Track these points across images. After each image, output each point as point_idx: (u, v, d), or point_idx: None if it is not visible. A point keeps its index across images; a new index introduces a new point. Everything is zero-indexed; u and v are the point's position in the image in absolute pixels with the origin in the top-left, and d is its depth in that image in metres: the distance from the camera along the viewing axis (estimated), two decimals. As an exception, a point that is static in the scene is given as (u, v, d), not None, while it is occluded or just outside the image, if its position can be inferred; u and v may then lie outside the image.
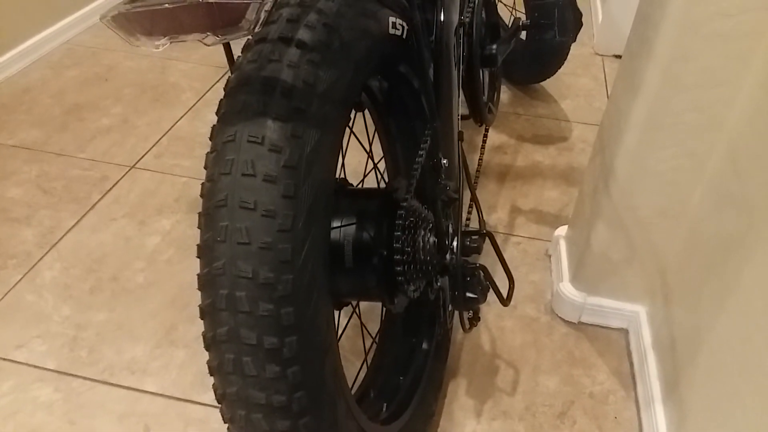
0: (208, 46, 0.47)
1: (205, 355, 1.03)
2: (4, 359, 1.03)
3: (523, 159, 1.58)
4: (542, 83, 1.87)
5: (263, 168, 0.50)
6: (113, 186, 1.41)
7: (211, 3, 0.43)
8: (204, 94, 1.77)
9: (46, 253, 1.24)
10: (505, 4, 1.78)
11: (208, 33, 0.45)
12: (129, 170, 1.47)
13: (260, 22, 0.45)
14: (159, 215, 1.34)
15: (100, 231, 1.29)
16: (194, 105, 1.72)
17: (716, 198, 0.87)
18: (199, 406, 0.97)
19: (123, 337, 1.08)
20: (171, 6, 0.44)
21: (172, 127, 1.63)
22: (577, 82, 1.92)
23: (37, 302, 1.14)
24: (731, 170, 0.83)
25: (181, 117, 1.67)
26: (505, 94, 1.84)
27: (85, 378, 1.01)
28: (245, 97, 0.52)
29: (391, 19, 0.67)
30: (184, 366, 1.03)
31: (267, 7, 0.44)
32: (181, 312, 1.13)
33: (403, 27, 0.70)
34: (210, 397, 0.98)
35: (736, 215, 0.80)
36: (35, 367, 1.02)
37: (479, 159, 1.25)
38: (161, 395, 0.99)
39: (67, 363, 1.03)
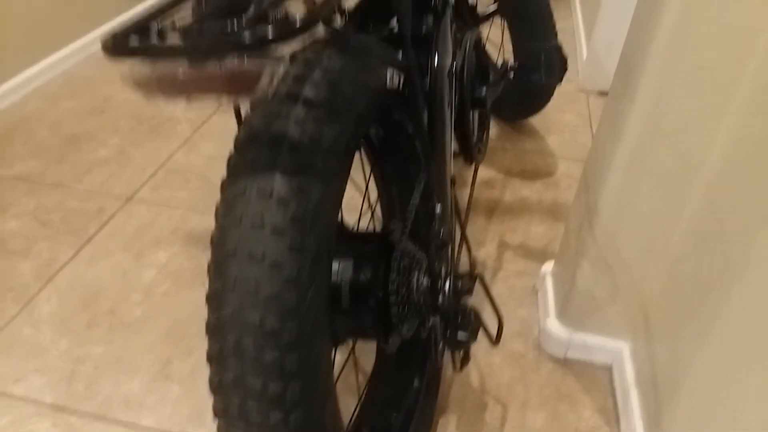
0: (223, 108, 0.50)
1: (200, 391, 1.06)
2: (2, 393, 1.04)
3: (511, 194, 1.63)
4: (529, 118, 1.93)
5: (271, 220, 0.53)
6: (110, 218, 1.44)
7: (227, 70, 0.47)
8: (200, 127, 1.80)
9: (44, 286, 1.25)
10: (493, 43, 1.85)
11: (224, 96, 0.49)
12: (126, 202, 1.49)
13: (273, 87, 0.48)
14: (155, 248, 1.36)
15: (97, 264, 1.31)
16: (190, 137, 1.75)
17: (695, 239, 0.91)
18: (195, 441, 0.99)
19: (120, 370, 1.09)
20: (190, 72, 0.48)
21: (169, 159, 1.66)
22: (562, 118, 1.98)
23: (35, 335, 1.15)
24: (709, 213, 0.88)
25: (178, 149, 1.70)
26: (493, 128, 1.90)
27: (82, 412, 1.02)
28: (254, 153, 0.55)
29: (389, 72, 0.71)
30: (179, 400, 1.05)
31: (279, 73, 0.48)
32: (176, 345, 1.15)
33: (400, 78, 0.74)
34: (206, 431, 1.00)
35: (713, 257, 0.84)
36: (33, 401, 1.03)
37: (469, 196, 1.29)
38: (158, 430, 1.00)
39: (65, 397, 1.04)
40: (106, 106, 1.87)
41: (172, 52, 0.46)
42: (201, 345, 1.15)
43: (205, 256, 1.34)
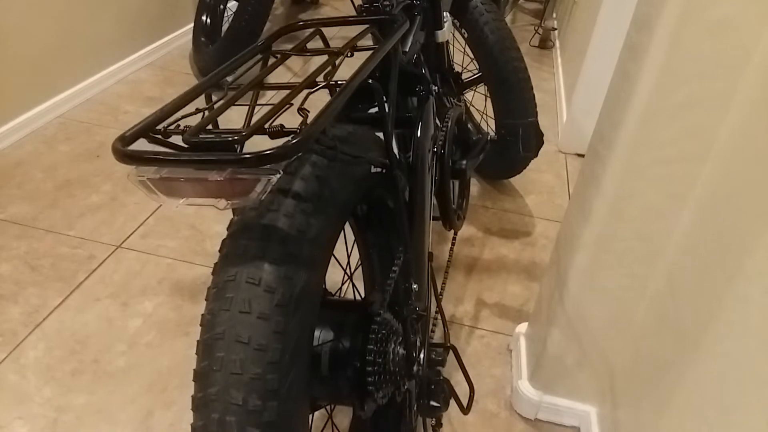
0: (220, 209, 0.56)
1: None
2: (-16, 441, 1.07)
3: (490, 252, 1.69)
4: (509, 179, 2.01)
5: (258, 307, 0.58)
6: (99, 265, 1.48)
7: (227, 179, 0.53)
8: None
9: (31, 332, 1.28)
10: (477, 109, 1.94)
11: (222, 199, 0.55)
12: (115, 250, 1.53)
13: (267, 193, 0.54)
14: (142, 296, 1.40)
15: (84, 311, 1.34)
16: (181, 185, 1.80)
17: (656, 319, 0.97)
18: (173, 496, 1.01)
19: (102, 421, 1.12)
20: (193, 178, 0.53)
21: (159, 207, 1.70)
22: (541, 178, 2.06)
23: (19, 382, 1.18)
24: (669, 296, 0.94)
25: (168, 197, 1.75)
26: (474, 186, 1.97)
27: (62, 463, 1.04)
28: (246, 242, 0.61)
29: (374, 165, 0.77)
30: (159, 453, 1.08)
31: (273, 181, 0.54)
32: (158, 397, 1.18)
33: (384, 165, 0.80)
34: (183, 486, 1.03)
35: (672, 338, 0.90)
36: (14, 450, 1.06)
37: (448, 260, 1.35)
38: (136, 483, 1.03)
39: (47, 447, 1.07)
40: (101, 151, 1.93)
41: (177, 163, 0.51)
42: (182, 397, 1.18)
43: (189, 307, 1.38)
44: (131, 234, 1.59)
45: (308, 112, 0.60)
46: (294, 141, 0.52)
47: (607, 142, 0.95)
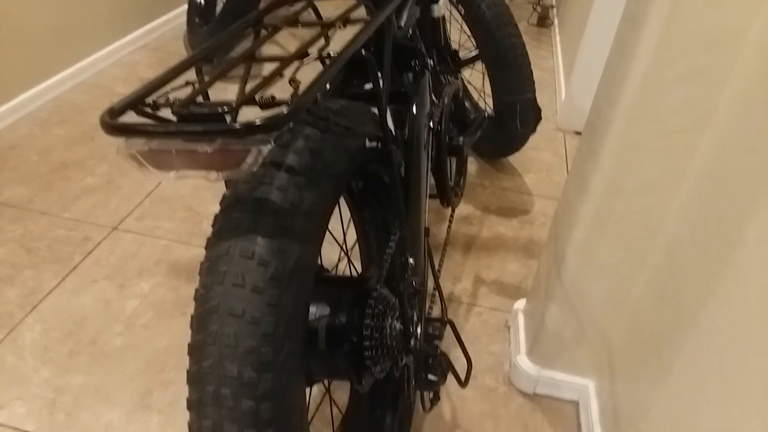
0: (211, 181, 0.55)
1: (178, 422, 1.09)
2: (-17, 421, 1.07)
3: (488, 230, 1.69)
4: (507, 157, 2.00)
5: (252, 280, 0.58)
6: (95, 247, 1.47)
7: (217, 150, 0.52)
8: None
9: (28, 314, 1.28)
10: (474, 87, 1.92)
11: (212, 171, 0.54)
12: (111, 231, 1.53)
13: (258, 164, 0.53)
14: (138, 278, 1.39)
15: (80, 293, 1.34)
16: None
17: (654, 293, 0.97)
18: (173, 473, 1.02)
19: (100, 401, 1.12)
20: (182, 150, 0.53)
21: (155, 188, 1.69)
22: (539, 156, 2.05)
23: (17, 364, 1.18)
24: (667, 270, 0.94)
25: (164, 178, 1.74)
26: (473, 165, 1.96)
27: (62, 442, 1.05)
28: (238, 215, 0.60)
29: (368, 138, 0.76)
30: (159, 431, 1.08)
31: (264, 153, 0.53)
32: (156, 377, 1.18)
33: (378, 138, 0.79)
34: (183, 463, 1.03)
35: (669, 311, 0.90)
36: (14, 429, 1.06)
37: (445, 240, 1.34)
38: (136, 461, 1.03)
39: (46, 426, 1.07)
40: (96, 133, 1.91)
41: (166, 135, 0.51)
42: (180, 377, 1.18)
43: (186, 288, 1.38)
44: (127, 216, 1.58)
45: (299, 83, 0.59)
46: (285, 111, 0.51)
47: (604, 116, 0.94)
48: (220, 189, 1.74)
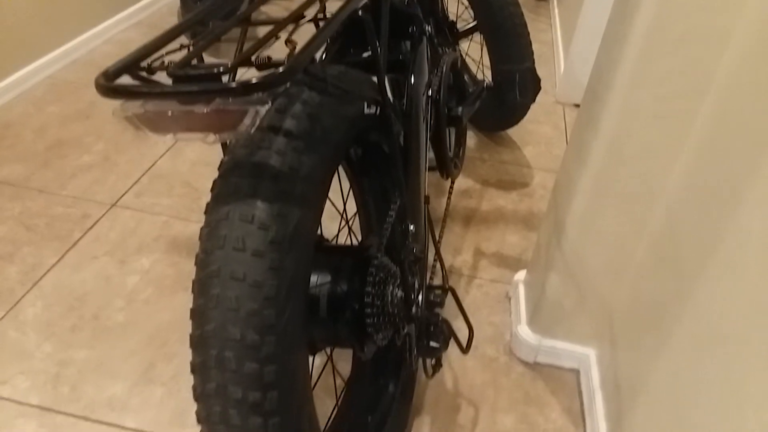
0: (209, 144, 0.54)
1: (182, 394, 1.10)
2: (-12, 396, 1.08)
3: (487, 204, 1.68)
4: (507, 130, 1.99)
5: (252, 244, 0.57)
6: (94, 224, 1.47)
7: (214, 111, 0.51)
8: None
9: (29, 290, 1.28)
10: (472, 59, 1.90)
11: (210, 133, 0.53)
12: (110, 208, 1.52)
13: (256, 126, 0.53)
14: (138, 254, 1.39)
15: (81, 269, 1.34)
16: (174, 144, 1.78)
17: (654, 260, 0.97)
18: (177, 443, 1.03)
19: (103, 374, 1.13)
20: (178, 111, 0.52)
21: (153, 165, 1.69)
22: (539, 129, 2.04)
23: (20, 339, 1.18)
24: (668, 236, 0.94)
25: (162, 155, 1.73)
26: (472, 139, 1.95)
27: (67, 414, 1.05)
28: (237, 180, 0.60)
29: (366, 102, 0.76)
30: (162, 403, 1.09)
31: (262, 113, 0.52)
32: (158, 350, 1.18)
33: (377, 105, 0.79)
34: (187, 434, 1.04)
35: (671, 278, 0.90)
36: (19, 403, 1.07)
37: (445, 210, 1.34)
38: (141, 431, 1.04)
39: (50, 399, 1.07)
40: (91, 111, 1.90)
41: (162, 96, 0.50)
42: (183, 350, 1.19)
43: (187, 264, 1.38)
44: (125, 193, 1.58)
45: (296, 44, 0.58)
46: (281, 70, 0.51)
47: (605, 80, 0.93)
48: (214, 144, 1.73)
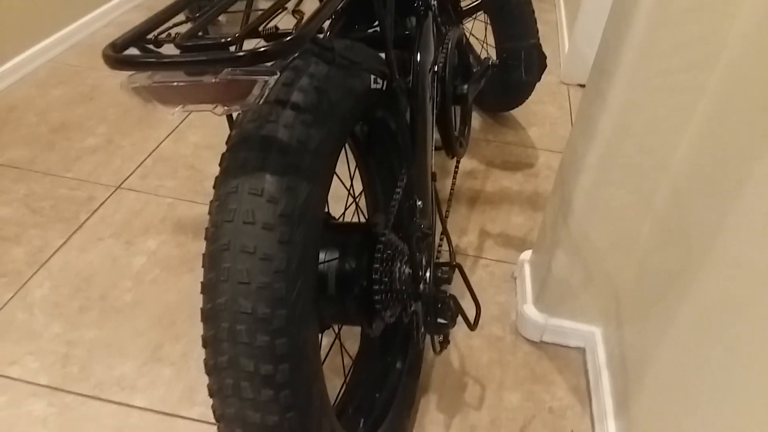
0: (218, 115, 0.54)
1: (191, 373, 1.10)
2: (-2, 375, 1.08)
3: (492, 184, 1.68)
4: (511, 111, 1.98)
5: (262, 217, 0.57)
6: (100, 206, 1.47)
7: (222, 81, 0.51)
8: (187, 116, 1.83)
9: (36, 271, 1.29)
10: (476, 38, 1.89)
11: (219, 105, 0.53)
12: (115, 190, 1.52)
13: (264, 96, 0.52)
14: (145, 236, 1.40)
15: (87, 250, 1.34)
16: (177, 126, 1.78)
17: (662, 235, 0.97)
18: (187, 421, 1.03)
19: (112, 354, 1.13)
20: (187, 82, 0.52)
21: (157, 148, 1.68)
22: (543, 110, 2.03)
23: (28, 320, 1.19)
24: (675, 210, 0.93)
25: (165, 138, 1.73)
26: (476, 120, 1.94)
27: (77, 394, 1.06)
28: (246, 154, 0.60)
29: (373, 74, 0.75)
30: (171, 382, 1.09)
31: (271, 84, 0.52)
32: (166, 331, 1.19)
33: (384, 79, 0.78)
34: (197, 412, 1.05)
35: (678, 252, 0.90)
36: (28, 382, 1.07)
37: (451, 189, 1.34)
38: (150, 410, 1.04)
39: (60, 379, 1.08)
40: (94, 94, 1.89)
41: (170, 65, 0.49)
42: (191, 330, 1.19)
43: (193, 245, 1.38)
44: (130, 175, 1.58)
45: (303, 14, 0.58)
46: (289, 38, 0.50)
47: (612, 55, 0.92)
48: (221, 148, 1.72)
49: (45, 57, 2.03)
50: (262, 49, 0.48)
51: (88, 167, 1.59)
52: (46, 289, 1.25)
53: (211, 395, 0.60)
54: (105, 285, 1.27)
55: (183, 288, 1.28)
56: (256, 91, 0.52)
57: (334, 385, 1.09)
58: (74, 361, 1.12)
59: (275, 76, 0.51)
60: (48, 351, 1.13)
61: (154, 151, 1.67)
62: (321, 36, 0.67)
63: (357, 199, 0.96)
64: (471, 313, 0.94)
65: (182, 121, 1.80)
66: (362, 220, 1.03)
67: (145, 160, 1.63)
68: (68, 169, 1.57)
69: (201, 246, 1.38)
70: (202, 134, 1.76)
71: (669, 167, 0.96)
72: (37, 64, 1.99)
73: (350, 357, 1.05)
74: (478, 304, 0.93)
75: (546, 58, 1.63)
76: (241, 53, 0.49)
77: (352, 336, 1.18)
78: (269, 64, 0.50)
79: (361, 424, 0.91)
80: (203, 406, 1.06)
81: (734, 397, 0.68)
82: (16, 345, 1.14)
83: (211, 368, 0.59)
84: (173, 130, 1.76)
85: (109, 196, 1.50)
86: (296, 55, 0.63)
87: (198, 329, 1.19)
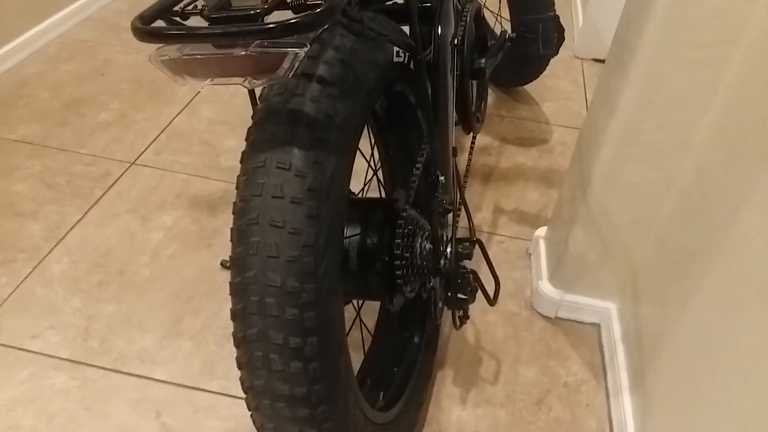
0: (247, 88, 0.54)
1: (209, 347, 1.11)
2: (20, 349, 1.10)
3: (507, 161, 1.67)
4: (525, 86, 1.96)
5: (290, 191, 0.57)
6: (115, 182, 1.47)
7: (253, 53, 0.51)
8: (199, 91, 1.82)
9: (54, 247, 1.30)
10: (491, 11, 1.86)
11: (248, 78, 0.52)
12: (130, 166, 1.52)
13: (295, 69, 0.52)
14: (160, 211, 1.40)
15: (104, 226, 1.35)
16: (190, 101, 1.77)
17: (683, 211, 0.96)
18: (208, 394, 1.05)
19: (132, 328, 1.15)
20: (216, 55, 0.51)
21: (170, 123, 1.68)
22: (557, 85, 2.01)
23: (47, 295, 1.20)
24: (697, 187, 0.93)
25: (178, 113, 1.72)
26: (490, 96, 1.92)
27: (98, 367, 1.08)
28: (273, 128, 0.59)
29: (396, 47, 0.74)
30: (191, 356, 1.11)
31: (301, 56, 0.51)
32: (185, 305, 1.20)
33: (406, 54, 0.77)
34: (217, 384, 1.06)
35: (700, 228, 0.89)
36: (50, 356, 1.09)
37: (467, 164, 1.33)
38: (171, 383, 1.06)
39: (81, 352, 1.10)
40: (106, 69, 1.88)
41: (200, 38, 0.49)
42: (209, 305, 1.20)
43: (208, 220, 1.38)
44: (144, 150, 1.57)
45: None
46: (320, 10, 0.49)
47: (635, 27, 0.91)
48: (235, 123, 1.72)
49: (55, 32, 2.01)
50: (293, 20, 0.48)
51: (102, 143, 1.59)
52: (64, 264, 1.26)
53: (239, 367, 0.61)
54: (123, 260, 1.28)
55: (200, 263, 1.28)
56: (286, 64, 0.51)
57: (353, 359, 1.10)
58: (95, 335, 1.13)
59: (305, 48, 0.51)
60: (69, 325, 1.15)
61: (167, 126, 1.67)
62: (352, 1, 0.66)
63: (376, 173, 0.95)
64: (489, 289, 0.95)
65: (195, 96, 1.79)
66: (382, 194, 1.03)
67: (158, 135, 1.63)
68: (82, 144, 1.57)
69: (216, 221, 1.38)
70: (215, 109, 1.75)
71: (692, 143, 0.95)
72: (47, 39, 1.98)
73: (369, 332, 1.06)
74: (498, 279, 0.93)
75: (564, 31, 1.60)
76: (271, 25, 0.48)
77: (368, 311, 1.19)
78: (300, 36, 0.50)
79: (381, 397, 0.92)
80: (223, 379, 1.07)
81: (755, 375, 0.68)
82: (36, 319, 1.15)
83: (240, 341, 0.59)
84: (186, 105, 1.75)
85: (124, 172, 1.50)
86: (326, 26, 0.62)
87: (215, 303, 1.20)
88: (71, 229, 1.34)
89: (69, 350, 1.10)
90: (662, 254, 1.03)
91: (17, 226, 1.33)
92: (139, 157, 1.55)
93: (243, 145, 0.61)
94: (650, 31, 0.87)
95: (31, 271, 1.24)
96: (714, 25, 0.84)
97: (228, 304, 1.18)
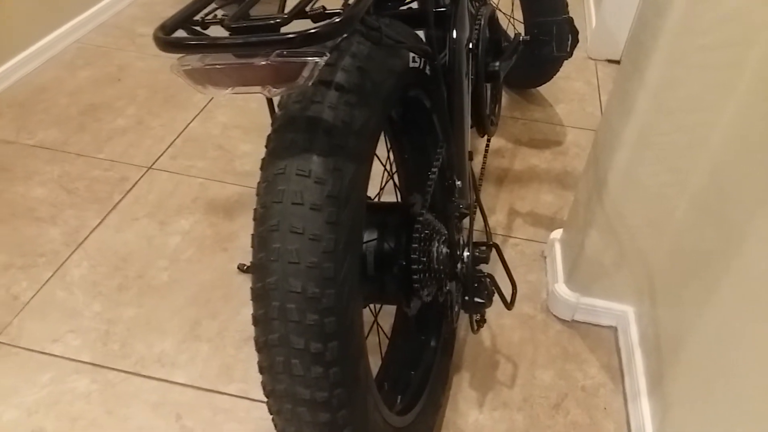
0: (268, 97, 0.54)
1: (227, 350, 1.12)
2: (42, 353, 1.11)
3: (521, 163, 1.67)
4: (538, 87, 1.95)
5: (310, 198, 0.58)
6: (133, 186, 1.49)
7: (273, 63, 0.51)
8: (212, 97, 1.83)
9: (74, 251, 1.31)
10: (504, 14, 1.86)
11: (268, 86, 0.53)
12: (147, 171, 1.54)
13: (314, 78, 0.52)
14: (178, 215, 1.41)
15: (123, 230, 1.37)
16: (205, 106, 1.79)
17: (698, 213, 0.96)
18: (226, 397, 1.06)
19: (151, 332, 1.16)
20: (237, 64, 0.52)
21: (185, 128, 1.70)
22: (571, 86, 2.00)
23: (68, 299, 1.21)
24: (713, 189, 0.92)
25: (194, 118, 1.74)
26: (503, 98, 1.92)
27: (118, 370, 1.09)
28: (292, 135, 0.60)
29: (412, 53, 0.75)
30: (209, 359, 1.12)
31: (320, 65, 0.52)
32: (203, 308, 1.21)
33: (421, 59, 0.78)
34: (235, 387, 1.07)
35: (716, 230, 0.89)
36: (71, 360, 1.10)
37: (482, 167, 1.33)
38: (190, 386, 1.07)
39: (101, 356, 1.11)
40: (122, 74, 1.90)
41: (221, 48, 0.50)
42: (226, 308, 1.21)
43: (225, 225, 1.40)
44: (161, 155, 1.59)
45: None
46: (339, 19, 0.50)
47: (650, 29, 0.90)
48: (250, 128, 1.73)
49: (71, 38, 2.04)
50: (314, 30, 0.49)
51: (119, 148, 1.61)
52: (84, 268, 1.28)
53: (261, 371, 0.61)
54: (142, 264, 1.29)
55: (217, 267, 1.30)
56: (305, 72, 0.52)
57: (371, 362, 1.11)
58: (115, 339, 1.15)
59: (325, 57, 0.51)
60: (89, 329, 1.16)
61: (183, 131, 1.68)
62: (371, 9, 0.67)
63: (393, 179, 0.96)
64: (506, 293, 0.95)
65: (209, 101, 1.81)
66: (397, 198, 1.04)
67: (174, 140, 1.65)
68: (100, 150, 1.59)
69: (233, 226, 1.40)
70: (229, 114, 1.77)
71: (708, 146, 0.94)
72: (63, 45, 2.01)
73: (386, 335, 1.06)
74: (515, 283, 0.93)
75: (578, 33, 1.60)
76: (292, 35, 0.49)
77: (384, 314, 1.19)
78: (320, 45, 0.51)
79: (399, 401, 0.92)
80: (241, 382, 1.08)
81: (778, 376, 0.68)
82: (57, 323, 1.17)
83: (261, 345, 0.60)
84: (201, 111, 1.77)
85: (141, 177, 1.52)
86: (345, 35, 0.63)
87: (232, 307, 1.21)
88: (90, 233, 1.36)
89: (90, 354, 1.12)
90: (678, 257, 1.02)
91: (37, 231, 1.36)
92: (156, 161, 1.57)
93: (258, 150, 0.62)
94: (665, 33, 0.87)
95: (52, 276, 1.26)
96: (729, 28, 0.83)
97: (245, 308, 1.21)
